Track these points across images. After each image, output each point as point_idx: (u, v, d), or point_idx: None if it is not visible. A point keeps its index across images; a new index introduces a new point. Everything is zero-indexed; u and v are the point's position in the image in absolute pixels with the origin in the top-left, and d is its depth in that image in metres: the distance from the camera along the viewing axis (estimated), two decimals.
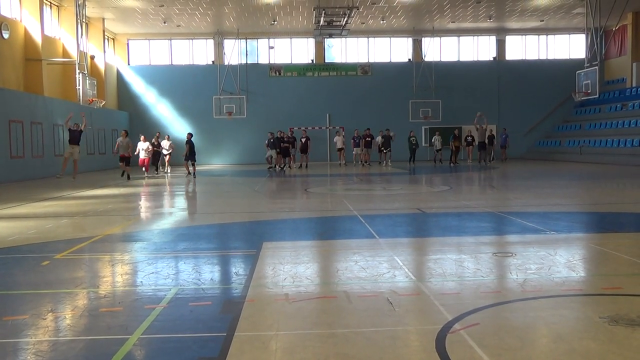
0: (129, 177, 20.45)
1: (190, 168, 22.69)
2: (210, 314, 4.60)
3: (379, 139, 29.32)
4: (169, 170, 25.19)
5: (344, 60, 35.91)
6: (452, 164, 28.48)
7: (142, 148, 22.74)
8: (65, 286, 5.53)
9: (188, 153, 22.67)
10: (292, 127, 32.15)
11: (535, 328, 4.13)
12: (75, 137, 20.01)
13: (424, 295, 4.98)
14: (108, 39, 33.10)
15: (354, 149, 29.45)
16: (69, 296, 5.21)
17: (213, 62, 35.14)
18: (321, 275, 6.02)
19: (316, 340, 3.93)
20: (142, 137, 23.21)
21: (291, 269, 6.06)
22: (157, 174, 23.84)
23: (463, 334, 3.96)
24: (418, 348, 3.80)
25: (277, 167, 26.52)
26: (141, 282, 5.73)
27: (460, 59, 36.28)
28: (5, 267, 6.55)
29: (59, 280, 5.78)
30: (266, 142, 26.79)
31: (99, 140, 29.66)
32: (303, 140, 28.19)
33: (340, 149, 29.69)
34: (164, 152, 24.90)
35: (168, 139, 25.64)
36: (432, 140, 31.00)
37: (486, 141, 28.72)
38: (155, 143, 24.16)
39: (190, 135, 23.55)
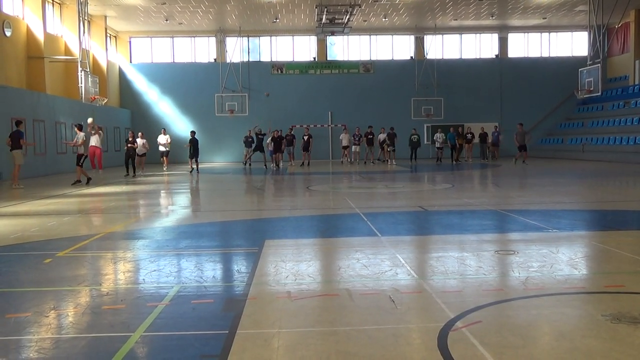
0: (88, 181, 17.72)
1: (194, 165, 23.32)
2: (213, 311, 4.60)
3: (381, 136, 29.29)
4: (140, 172, 22.44)
5: (346, 58, 35.88)
6: (456, 161, 28.40)
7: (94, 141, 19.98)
8: (68, 284, 5.54)
9: (192, 150, 23.33)
10: (294, 125, 32.11)
11: (538, 326, 4.12)
12: (17, 139, 16.74)
13: (426, 293, 4.98)
14: (110, 37, 33.11)
15: (353, 146, 29.43)
16: (72, 294, 5.22)
17: (215, 59, 35.14)
18: (323, 273, 6.02)
19: (318, 337, 3.94)
20: (92, 130, 20.34)
21: (293, 266, 6.06)
22: (134, 176, 21.12)
23: (465, 331, 3.96)
24: (420, 346, 3.80)
25: (273, 165, 26.37)
26: (143, 279, 5.74)
27: (463, 57, 36.23)
28: (8, 264, 6.57)
29: (61, 278, 5.78)
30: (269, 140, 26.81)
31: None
32: (305, 138, 28.03)
33: (345, 147, 29.63)
34: (139, 151, 22.74)
35: (164, 133, 24.88)
36: (434, 138, 30.85)
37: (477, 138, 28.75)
38: (131, 139, 21.79)
39: (193, 133, 24.47)
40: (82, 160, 17.70)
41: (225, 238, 8.46)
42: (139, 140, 22.96)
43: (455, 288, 5.12)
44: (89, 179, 17.75)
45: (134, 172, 21.58)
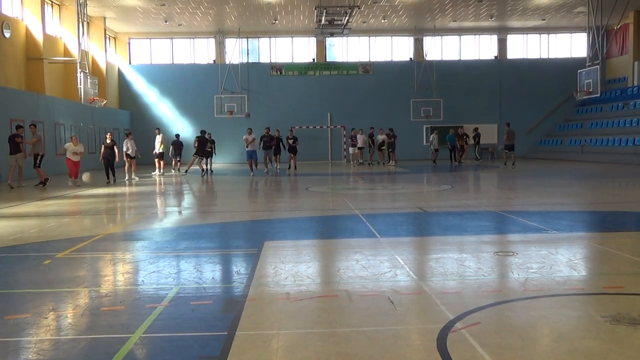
0: (44, 183, 17.36)
1: (179, 165, 24.88)
2: (212, 312, 4.60)
3: (379, 137, 29.18)
4: (133, 177, 20.53)
5: (345, 59, 35.90)
6: (458, 162, 28.07)
7: (71, 150, 17.64)
8: (67, 285, 5.54)
9: (174, 151, 24.54)
10: (293, 126, 32.06)
11: (537, 327, 4.12)
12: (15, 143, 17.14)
13: (425, 294, 4.98)
14: (109, 38, 33.11)
15: (351, 148, 29.27)
16: (71, 295, 5.22)
17: (214, 61, 35.15)
18: (322, 274, 6.02)
19: (317, 339, 3.94)
20: (74, 139, 18.10)
21: (292, 267, 6.06)
22: (108, 182, 18.67)
23: (464, 333, 3.96)
24: (419, 347, 3.80)
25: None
26: (142, 281, 5.74)
27: (462, 58, 36.27)
28: (7, 266, 6.56)
29: (60, 279, 5.78)
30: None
31: (101, 140, 29.65)
32: (291, 141, 25.57)
33: (360, 148, 29.22)
34: (128, 154, 20.62)
35: (159, 132, 23.62)
36: (430, 139, 30.44)
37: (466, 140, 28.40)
38: (109, 143, 19.12)
39: (177, 136, 25.77)
40: (39, 160, 17.59)
41: (225, 239, 8.45)
42: (127, 142, 20.77)
43: (454, 289, 5.12)
44: (45, 181, 17.53)
45: (112, 177, 19.01)
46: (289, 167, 25.71)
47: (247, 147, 22.50)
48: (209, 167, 24.56)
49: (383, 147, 29.05)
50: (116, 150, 19.27)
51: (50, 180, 19.16)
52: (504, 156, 25.93)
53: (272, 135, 23.93)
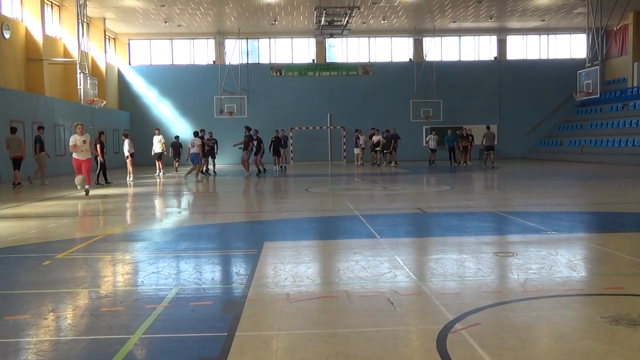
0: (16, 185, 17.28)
1: (177, 165, 25.36)
2: (211, 313, 4.60)
3: (374, 138, 29.12)
4: (131, 179, 20.21)
5: (345, 60, 35.92)
6: (465, 163, 27.62)
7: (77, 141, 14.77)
8: (67, 286, 5.53)
9: (173, 153, 24.91)
10: (292, 127, 32.04)
11: (537, 328, 4.12)
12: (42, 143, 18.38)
13: (425, 295, 4.98)
14: (109, 39, 33.12)
15: (355, 149, 29.31)
16: (70, 296, 5.21)
17: (214, 62, 35.17)
18: (322, 275, 6.02)
19: (317, 340, 3.93)
20: (79, 128, 14.96)
21: (292, 268, 6.06)
22: (100, 184, 17.96)
23: (464, 333, 3.96)
24: (419, 348, 3.80)
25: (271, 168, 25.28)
26: (142, 281, 5.74)
27: (462, 59, 36.29)
28: (7, 266, 6.56)
29: (60, 280, 5.78)
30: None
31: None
32: (255, 142, 22.30)
33: (362, 149, 29.05)
34: (126, 154, 20.46)
35: (158, 133, 22.99)
36: (427, 139, 30.27)
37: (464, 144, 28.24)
38: (98, 143, 18.07)
39: (177, 137, 26.11)
40: (17, 164, 17.65)
41: (224, 240, 8.45)
42: (126, 142, 20.49)
43: (454, 290, 5.12)
44: (18, 184, 17.58)
45: (105, 179, 18.35)
46: (259, 172, 23.05)
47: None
48: (212, 167, 24.53)
49: (378, 148, 29.00)
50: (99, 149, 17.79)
51: (51, 181, 19.23)
52: (488, 157, 26.36)
53: (251, 135, 21.94)
